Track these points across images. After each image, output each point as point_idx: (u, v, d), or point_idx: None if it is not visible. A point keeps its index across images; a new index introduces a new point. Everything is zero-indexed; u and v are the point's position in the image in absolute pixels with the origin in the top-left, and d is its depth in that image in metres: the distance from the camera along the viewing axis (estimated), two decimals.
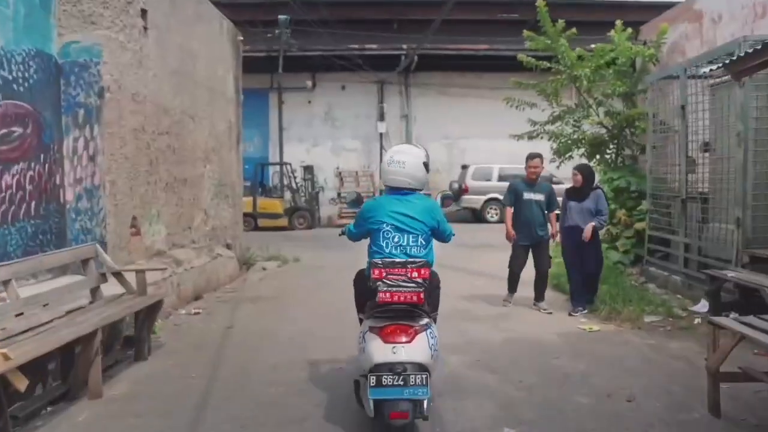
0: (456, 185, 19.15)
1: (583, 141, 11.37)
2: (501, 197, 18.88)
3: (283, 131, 20.54)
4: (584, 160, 12.46)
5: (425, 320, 3.57)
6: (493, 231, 15.97)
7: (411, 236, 3.75)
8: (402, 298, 3.45)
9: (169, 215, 7.30)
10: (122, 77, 6.12)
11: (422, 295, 3.49)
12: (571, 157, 11.85)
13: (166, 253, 7.05)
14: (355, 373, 3.89)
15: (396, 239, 3.74)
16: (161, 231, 7.02)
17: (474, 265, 10.07)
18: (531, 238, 7.09)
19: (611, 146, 11.31)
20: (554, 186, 17.85)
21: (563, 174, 19.02)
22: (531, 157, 7.32)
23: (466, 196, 18.81)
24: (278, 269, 10.31)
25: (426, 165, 3.94)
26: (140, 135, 6.54)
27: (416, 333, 3.43)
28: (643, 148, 10.33)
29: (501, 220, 18.79)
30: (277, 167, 19.90)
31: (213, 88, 8.91)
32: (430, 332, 3.53)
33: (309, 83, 20.40)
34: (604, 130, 11.30)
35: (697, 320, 6.03)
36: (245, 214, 18.78)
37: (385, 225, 3.75)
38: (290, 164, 19.21)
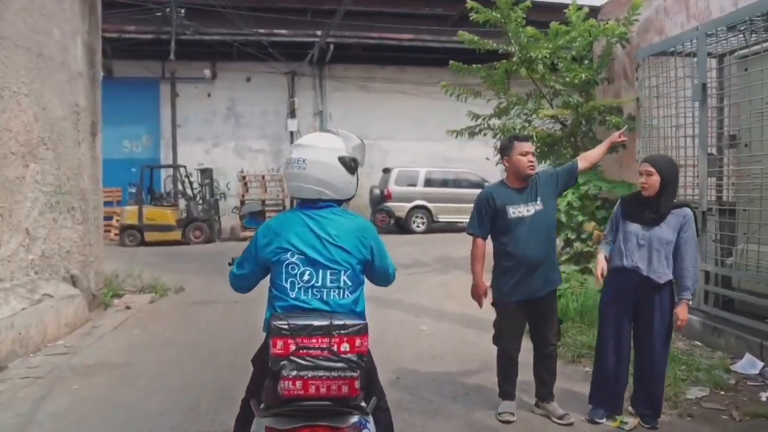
0: (377, 191, 16.97)
1: (534, 138, 9.47)
2: (428, 204, 17.40)
3: (178, 128, 17.58)
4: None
5: (355, 419, 2.16)
6: (423, 244, 13.93)
7: (330, 273, 2.39)
8: (323, 390, 2.08)
9: None
10: None
11: (356, 383, 2.13)
12: None
13: None
14: None
15: (306, 277, 2.38)
16: None
17: (413, 296, 7.84)
18: (531, 288, 3.83)
19: (566, 145, 9.47)
20: None
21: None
22: (519, 140, 4.03)
23: (388, 204, 16.65)
24: (149, 307, 7.64)
25: (347, 163, 2.56)
26: None
27: None
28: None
29: (430, 230, 17.14)
30: (170, 171, 16.95)
31: (41, 54, 6.19)
32: None
33: (208, 73, 17.59)
34: (558, 126, 9.48)
35: (764, 396, 4.05)
36: (128, 227, 15.87)
37: (289, 255, 2.40)
38: (185, 167, 16.34)
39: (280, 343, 2.09)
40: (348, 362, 2.10)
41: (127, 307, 7.42)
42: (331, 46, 17.44)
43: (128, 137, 17.90)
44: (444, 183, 17.16)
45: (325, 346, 2.09)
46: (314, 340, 2.09)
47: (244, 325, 6.21)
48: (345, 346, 2.11)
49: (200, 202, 16.10)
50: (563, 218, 7.86)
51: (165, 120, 17.73)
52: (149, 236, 15.39)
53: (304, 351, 2.08)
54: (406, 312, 6.94)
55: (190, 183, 16.33)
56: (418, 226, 16.63)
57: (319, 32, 16.80)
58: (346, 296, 2.40)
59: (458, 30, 9.76)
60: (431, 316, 6.70)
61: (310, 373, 2.07)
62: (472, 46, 9.51)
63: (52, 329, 5.82)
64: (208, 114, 18.21)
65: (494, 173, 19.49)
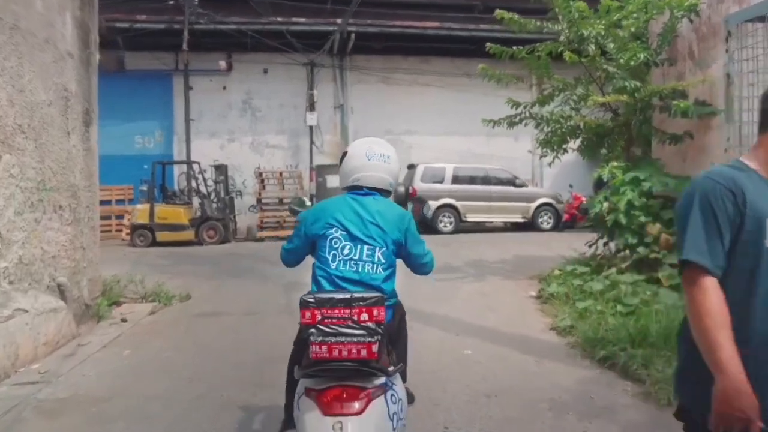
0: (401, 189, 15.94)
1: (581, 129, 8.42)
2: (455, 203, 16.46)
3: (191, 123, 16.76)
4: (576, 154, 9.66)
5: (381, 380, 2.39)
6: (452, 245, 12.89)
7: (366, 248, 2.68)
8: (345, 353, 2.30)
9: None
10: None
11: (374, 347, 2.31)
12: (565, 150, 8.88)
13: None
14: None
15: (346, 251, 2.67)
16: None
17: (449, 308, 6.84)
18: None
19: (619, 136, 8.40)
20: (520, 189, 14.83)
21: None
22: None
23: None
24: (148, 320, 6.73)
25: (384, 158, 2.88)
26: None
27: (369, 400, 2.30)
28: (674, 137, 7.43)
29: (458, 230, 16.08)
30: (184, 167, 16.14)
31: (17, 26, 5.29)
32: (392, 395, 2.41)
33: (223, 64, 16.72)
34: (609, 115, 8.41)
35: None
36: (139, 226, 15.06)
37: (334, 230, 2.69)
38: (198, 163, 15.51)
39: (308, 314, 2.36)
40: (367, 329, 2.32)
41: (123, 320, 6.52)
42: (352, 36, 16.48)
43: (140, 132, 17.11)
44: (472, 180, 16.10)
45: (346, 315, 2.33)
46: (336, 311, 2.33)
47: (254, 346, 5.27)
48: (364, 316, 2.33)
49: (215, 200, 15.25)
50: (623, 219, 6.81)
51: (178, 114, 16.91)
52: (161, 236, 14.58)
53: (328, 320, 2.32)
54: (444, 329, 5.93)
55: (204, 180, 15.50)
56: (445, 226, 15.60)
57: (339, 21, 15.84)
58: (378, 272, 2.69)
59: (486, 18, 8.71)
60: (474, 334, 5.68)
61: (333, 339, 2.31)
62: (511, 27, 8.49)
63: (27, 350, 4.92)
64: (223, 108, 17.35)
65: (525, 170, 18.42)
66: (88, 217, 6.89)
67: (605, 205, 7.08)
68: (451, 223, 15.62)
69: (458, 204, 15.66)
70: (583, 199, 16.19)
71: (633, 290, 5.71)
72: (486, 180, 16.09)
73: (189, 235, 14.67)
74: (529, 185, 16.93)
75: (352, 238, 2.68)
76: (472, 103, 17.87)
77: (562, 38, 7.99)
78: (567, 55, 8.20)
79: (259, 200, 15.86)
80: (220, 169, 15.36)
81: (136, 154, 16.70)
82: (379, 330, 2.34)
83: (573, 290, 6.53)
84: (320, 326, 2.32)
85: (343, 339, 2.31)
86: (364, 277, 2.65)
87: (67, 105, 6.29)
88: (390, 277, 2.77)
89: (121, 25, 15.65)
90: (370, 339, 2.31)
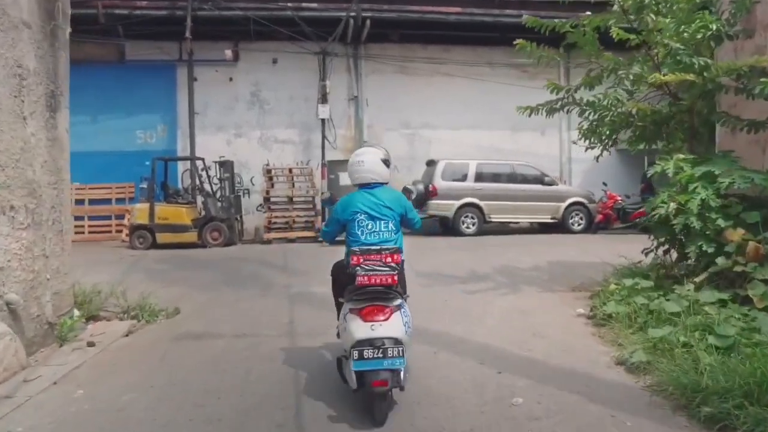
0: (420, 186, 14.76)
1: (634, 116, 7.16)
2: (479, 202, 15.20)
3: (196, 117, 15.69)
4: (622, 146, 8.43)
5: (398, 301, 3.89)
6: (477, 249, 11.68)
7: (383, 222, 4.10)
8: (378, 281, 3.77)
9: None
10: None
11: (396, 277, 3.81)
12: (616, 141, 7.64)
13: None
14: (337, 353, 4.23)
15: (370, 226, 4.09)
16: None
17: (483, 332, 5.65)
18: None
19: (679, 124, 7.13)
20: (549, 187, 13.53)
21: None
22: None
23: (434, 201, 14.42)
24: (121, 343, 5.62)
25: (385, 161, 4.30)
26: None
27: (392, 312, 3.77)
28: (754, 124, 6.18)
29: (481, 231, 14.80)
30: (188, 164, 15.09)
31: None
32: (404, 311, 3.88)
33: (229, 54, 15.61)
34: (665, 100, 7.16)
35: None
36: (138, 227, 14.03)
37: (359, 215, 4.10)
38: (203, 159, 14.44)
39: (355, 258, 3.83)
40: (390, 267, 3.81)
41: (90, 344, 5.41)
42: (367, 22, 15.29)
43: (142, 127, 16.07)
44: (497, 178, 14.85)
45: (378, 259, 3.82)
46: (372, 257, 3.83)
47: (239, 389, 4.13)
48: (388, 259, 3.83)
49: (220, 199, 14.18)
50: (695, 223, 5.57)
51: (182, 107, 15.85)
52: (161, 238, 13.55)
53: (367, 261, 3.81)
54: (481, 362, 4.72)
55: (209, 177, 14.43)
56: (467, 227, 14.37)
57: (353, 5, 14.68)
58: (391, 236, 4.12)
59: (511, 2, 7.54)
60: (521, 371, 4.46)
61: (372, 272, 3.78)
62: (537, 27, 7.30)
63: None
64: (229, 100, 16.25)
65: (552, 167, 17.09)
66: (54, 219, 5.80)
67: (671, 205, 5.83)
68: (474, 224, 14.39)
69: (482, 203, 14.42)
70: (618, 198, 14.89)
71: (725, 315, 4.46)
72: (512, 177, 14.84)
73: (191, 236, 13.62)
74: (559, 183, 15.62)
75: (372, 218, 4.06)
76: (496, 94, 16.67)
77: (615, 7, 6.74)
78: (615, 31, 7.01)
79: (267, 199, 14.74)
80: (225, 165, 14.27)
81: (138, 150, 15.68)
82: (398, 268, 3.83)
83: (638, 311, 5.30)
84: (363, 265, 3.76)
85: (377, 272, 3.75)
86: (383, 241, 4.02)
87: (21, 85, 5.19)
88: (399, 238, 4.12)
89: (120, 12, 14.65)
90: (393, 272, 3.78)
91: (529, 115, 7.78)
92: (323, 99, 15.55)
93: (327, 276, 4.53)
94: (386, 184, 4.26)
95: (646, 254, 6.90)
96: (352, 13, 14.97)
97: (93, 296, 7.45)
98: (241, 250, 13.07)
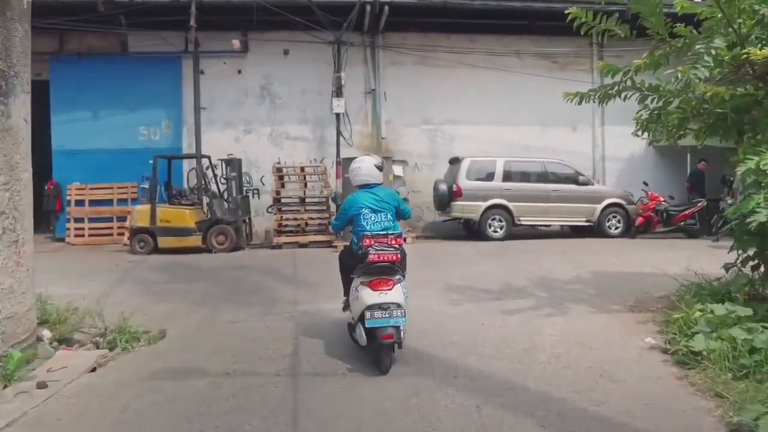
0: (443, 187, 13.59)
1: (709, 103, 5.91)
2: (507, 203, 13.28)
3: (202, 112, 14.66)
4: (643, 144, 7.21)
5: (399, 276, 4.89)
6: (507, 256, 10.45)
7: (383, 214, 5.09)
8: (386, 257, 4.77)
9: None
10: None
11: (399, 256, 4.85)
12: (683, 133, 6.41)
13: None
14: (348, 319, 5.20)
15: (373, 218, 5.06)
16: None
17: (538, 372, 4.46)
18: None
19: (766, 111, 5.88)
20: (584, 187, 12.21)
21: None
22: None
23: (458, 202, 13.23)
24: (81, 382, 4.52)
25: (378, 167, 5.29)
26: None
27: (394, 284, 4.78)
28: None
29: (510, 236, 13.63)
30: (194, 162, 14.03)
31: None
32: (403, 284, 4.90)
33: (237, 44, 14.53)
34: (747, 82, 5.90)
35: None
36: (139, 230, 13.03)
37: (364, 209, 5.08)
38: (209, 157, 13.41)
39: (367, 240, 4.79)
40: (394, 248, 4.82)
41: (41, 385, 4.32)
42: (386, 9, 14.14)
43: (145, 123, 15.07)
44: (526, 176, 13.63)
45: (385, 241, 4.81)
46: (381, 239, 4.81)
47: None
48: (393, 241, 4.83)
49: (227, 200, 13.12)
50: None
51: (188, 102, 14.81)
52: (163, 242, 12.54)
53: (377, 243, 4.78)
54: (540, 422, 3.54)
55: (215, 176, 13.39)
56: (495, 231, 13.16)
57: None
58: (391, 224, 5.09)
59: None
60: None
61: (381, 252, 4.75)
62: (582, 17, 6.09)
63: None
64: (238, 94, 15.19)
65: (585, 165, 15.68)
66: (4, 228, 4.74)
67: None
68: (502, 228, 13.18)
69: (511, 205, 13.21)
70: (661, 199, 13.56)
71: None
72: (543, 176, 13.60)
73: (195, 240, 12.59)
74: (594, 183, 14.34)
75: (375, 211, 5.10)
76: (524, 86, 15.44)
77: None
78: (679, 3, 5.83)
79: (277, 200, 13.64)
80: (232, 163, 13.20)
81: (141, 148, 14.67)
82: (400, 248, 4.89)
83: (739, 348, 4.09)
84: (374, 246, 4.76)
85: (385, 251, 4.77)
86: (384, 228, 5.03)
87: None
88: (396, 225, 5.17)
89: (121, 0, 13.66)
90: (397, 252, 4.83)
91: (579, 103, 6.56)
92: (338, 92, 14.42)
93: (339, 287, 5.50)
94: (381, 184, 5.27)
95: (728, 269, 5.67)
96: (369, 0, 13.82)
97: (68, 315, 6.44)
98: (249, 256, 12.00)
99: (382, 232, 4.87)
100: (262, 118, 15.29)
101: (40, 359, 5.37)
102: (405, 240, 5.27)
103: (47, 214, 15.51)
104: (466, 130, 15.44)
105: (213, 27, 14.34)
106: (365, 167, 5.20)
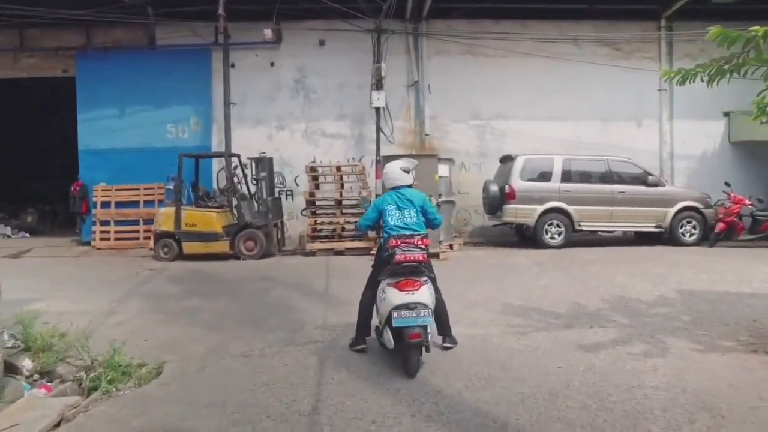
0: (494, 188, 12.23)
1: None
2: (566, 206, 11.68)
3: (233, 108, 13.69)
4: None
5: (425, 277, 4.84)
6: (571, 267, 8.87)
7: (407, 211, 5.07)
8: (412, 258, 4.80)
9: None
10: None
11: (426, 255, 4.91)
12: None
13: None
14: (377, 322, 5.10)
15: (397, 215, 5.06)
16: None
17: None
18: None
19: None
20: (654, 189, 10.46)
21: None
22: None
23: (511, 205, 11.85)
24: None
25: (404, 170, 5.28)
26: None
27: (421, 285, 4.75)
28: None
29: (569, 242, 11.99)
30: (223, 162, 13.05)
31: None
32: (430, 285, 4.88)
33: (269, 33, 13.45)
34: None
35: None
36: (162, 235, 12.11)
37: (390, 206, 5.11)
38: (238, 156, 12.41)
39: (393, 241, 4.88)
40: (421, 248, 4.87)
41: None
42: None
43: (173, 120, 14.17)
44: (588, 177, 12.14)
45: (412, 241, 4.87)
46: (407, 239, 4.87)
47: None
48: (419, 242, 4.89)
49: (258, 201, 12.09)
50: None
51: (217, 98, 13.86)
52: (188, 247, 11.60)
53: (404, 243, 4.85)
54: None
55: (245, 177, 12.39)
56: (552, 238, 11.73)
57: None
58: (413, 221, 5.02)
59: None
60: None
61: (407, 252, 4.80)
62: None
63: None
64: (270, 89, 14.15)
65: (651, 163, 13.88)
66: None
67: None
68: (560, 234, 11.74)
69: (571, 209, 11.75)
70: (747, 202, 11.86)
71: None
72: (607, 177, 12.07)
73: (222, 246, 11.59)
74: (665, 184, 12.74)
75: (399, 208, 5.08)
76: (582, 77, 13.95)
77: None
78: None
79: (311, 202, 12.52)
80: (262, 162, 12.13)
81: (169, 146, 13.78)
82: (426, 249, 4.94)
83: None
84: (401, 246, 4.83)
85: (411, 251, 4.81)
86: (409, 225, 5.00)
87: None
88: (421, 223, 5.08)
89: None
90: (423, 252, 4.88)
91: (682, 82, 5.17)
92: (378, 85, 13.21)
93: None
94: (410, 185, 5.26)
95: None
96: None
97: (55, 341, 5.43)
98: (278, 265, 10.91)
99: (408, 233, 4.92)
100: (296, 114, 14.21)
101: (2, 403, 4.36)
102: (451, 247, 5.46)
103: (73, 217, 14.87)
104: (518, 126, 14.05)
105: (244, 17, 13.37)
106: (392, 171, 5.29)
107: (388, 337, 4.68)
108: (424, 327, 4.56)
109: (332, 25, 13.55)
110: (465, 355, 4.99)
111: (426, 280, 4.82)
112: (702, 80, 4.99)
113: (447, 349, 5.10)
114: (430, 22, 14.04)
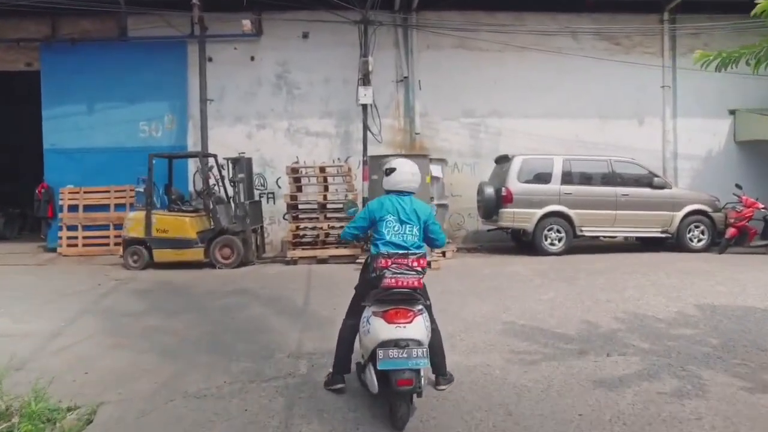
0: (489, 191, 11.41)
1: None
2: (567, 210, 10.85)
3: (209, 104, 12.81)
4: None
5: (420, 306, 3.93)
6: (575, 278, 7.98)
7: (408, 226, 4.15)
8: (405, 283, 3.83)
9: None
10: None
11: (422, 281, 3.93)
12: None
13: None
14: (357, 357, 4.22)
15: (396, 228, 4.14)
16: None
17: None
18: None
19: None
20: (660, 192, 9.58)
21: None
22: None
23: (507, 209, 11.03)
24: None
25: (415, 174, 4.38)
26: None
27: (414, 316, 3.83)
28: None
29: (570, 249, 10.92)
30: (198, 162, 12.12)
31: None
32: (425, 316, 3.94)
33: (248, 24, 12.55)
34: None
35: None
36: (132, 241, 11.19)
37: (389, 217, 4.16)
38: (214, 156, 11.53)
39: (382, 261, 3.87)
40: (416, 271, 3.87)
41: None
42: None
43: (146, 118, 13.23)
44: (590, 179, 11.36)
45: (406, 262, 3.86)
46: (400, 260, 3.86)
47: None
48: (415, 263, 3.87)
49: (235, 205, 11.20)
50: None
51: (194, 93, 12.99)
52: (159, 255, 10.71)
53: (395, 264, 3.85)
54: None
55: (222, 178, 11.50)
56: (552, 244, 10.93)
57: None
58: (415, 240, 4.14)
59: None
60: None
61: (399, 275, 3.82)
62: None
63: None
64: (250, 84, 13.24)
65: (654, 164, 13.04)
66: None
67: None
68: (561, 240, 10.94)
69: (572, 212, 10.95)
70: (760, 205, 11.11)
71: None
72: (610, 178, 11.29)
73: (196, 253, 10.70)
74: (672, 186, 11.96)
75: (400, 221, 4.14)
76: (581, 72, 13.19)
77: None
78: None
79: (293, 206, 11.63)
80: (240, 163, 11.23)
81: (141, 146, 12.84)
82: (423, 272, 3.92)
83: None
84: (390, 268, 3.83)
85: (405, 275, 3.83)
86: (407, 243, 4.10)
87: None
88: (421, 242, 4.21)
89: None
90: (418, 276, 3.88)
91: (720, 68, 4.34)
92: (365, 80, 12.34)
93: None
94: (414, 194, 4.35)
95: None
96: None
97: None
98: (255, 275, 10.02)
99: (401, 252, 3.97)
100: (278, 111, 13.32)
101: None
102: (444, 254, 4.74)
103: (39, 221, 13.91)
104: (514, 124, 13.27)
105: (222, 7, 12.50)
106: (408, 171, 4.28)
107: (372, 380, 3.76)
108: (417, 371, 3.66)
109: (316, 16, 12.67)
110: (463, 395, 4.15)
111: (421, 310, 3.91)
112: (747, 64, 4.18)
113: (442, 390, 4.21)
114: (420, 14, 13.20)
